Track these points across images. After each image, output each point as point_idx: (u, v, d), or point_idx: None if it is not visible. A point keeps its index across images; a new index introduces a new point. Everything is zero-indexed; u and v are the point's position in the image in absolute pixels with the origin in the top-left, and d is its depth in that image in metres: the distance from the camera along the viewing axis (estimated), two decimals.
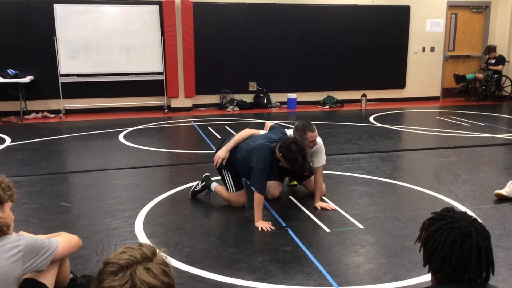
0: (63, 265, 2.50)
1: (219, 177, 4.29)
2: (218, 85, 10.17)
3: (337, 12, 10.49)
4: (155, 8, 9.41)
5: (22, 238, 2.12)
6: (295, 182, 4.76)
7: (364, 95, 10.60)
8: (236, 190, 4.14)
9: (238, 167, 4.06)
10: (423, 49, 11.30)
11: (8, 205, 2.22)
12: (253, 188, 3.90)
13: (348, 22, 10.60)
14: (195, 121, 8.67)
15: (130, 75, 9.55)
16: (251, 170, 3.82)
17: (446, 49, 11.57)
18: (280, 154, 3.73)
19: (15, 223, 2.28)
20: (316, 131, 4.08)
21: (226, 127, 8.00)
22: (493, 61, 11.07)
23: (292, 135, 4.07)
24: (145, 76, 9.63)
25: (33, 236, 2.27)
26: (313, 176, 4.32)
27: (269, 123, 4.38)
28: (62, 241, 2.34)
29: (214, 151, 4.30)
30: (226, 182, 4.16)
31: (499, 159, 6.03)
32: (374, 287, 2.84)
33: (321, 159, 4.22)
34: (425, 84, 11.47)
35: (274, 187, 4.35)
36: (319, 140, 4.23)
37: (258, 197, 3.76)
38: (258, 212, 3.77)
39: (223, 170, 4.16)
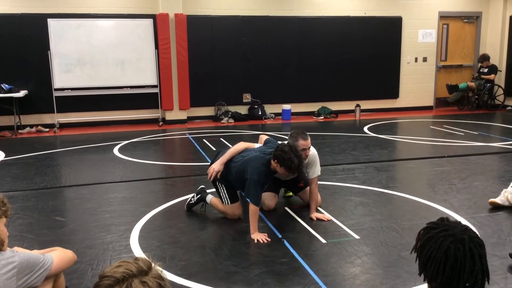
0: (58, 281, 2.48)
1: (215, 190, 4.28)
2: (212, 97, 10.20)
3: (330, 23, 10.58)
4: (149, 22, 9.46)
5: (16, 255, 2.11)
6: (291, 193, 4.76)
7: (358, 105, 10.66)
8: (231, 203, 4.13)
9: (233, 179, 4.05)
10: (416, 60, 11.39)
11: (2, 221, 2.21)
12: (248, 200, 3.90)
13: (341, 33, 10.68)
14: (190, 134, 8.67)
15: (125, 88, 9.56)
16: (246, 182, 3.81)
17: (438, 59, 11.67)
18: (275, 160, 3.72)
19: (9, 239, 2.26)
20: (308, 140, 4.07)
21: (221, 139, 8.00)
22: (486, 70, 11.18)
23: None
24: (139, 89, 9.64)
25: (28, 252, 2.26)
26: (308, 187, 4.33)
27: (263, 137, 4.38)
28: (57, 256, 2.33)
29: (209, 163, 4.30)
30: (221, 194, 4.16)
31: (493, 167, 6.07)
32: None
33: (316, 170, 4.23)
34: (418, 94, 11.55)
35: (269, 198, 4.34)
36: (313, 151, 4.24)
37: (253, 209, 3.76)
38: (253, 224, 3.76)
39: (217, 183, 4.16)
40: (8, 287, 2.03)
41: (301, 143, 4.00)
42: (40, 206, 4.61)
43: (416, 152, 6.93)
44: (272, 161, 3.76)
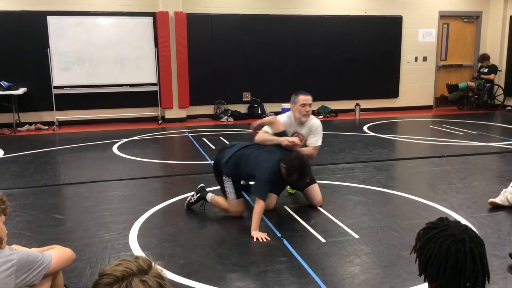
0: (56, 279, 2.47)
1: (215, 188, 4.27)
2: (212, 96, 10.19)
3: (330, 22, 10.57)
4: (149, 20, 9.44)
5: (15, 253, 2.10)
6: (293, 191, 4.78)
7: (358, 104, 10.65)
8: (236, 198, 4.11)
9: (243, 165, 3.99)
10: (416, 59, 11.38)
11: (1, 219, 2.20)
12: (254, 195, 3.92)
13: (341, 32, 10.67)
14: (189, 132, 8.66)
15: (124, 86, 9.55)
16: (252, 176, 3.89)
17: (438, 58, 11.66)
18: (284, 165, 3.79)
19: (7, 236, 2.26)
20: (309, 96, 4.39)
21: (221, 137, 7.99)
22: (486, 70, 11.18)
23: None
24: (139, 87, 9.63)
25: (26, 250, 2.25)
26: (313, 185, 4.40)
27: (266, 120, 4.60)
28: (56, 254, 2.32)
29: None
30: (226, 189, 4.12)
31: (493, 167, 6.06)
32: None
33: (319, 139, 4.42)
34: (418, 94, 11.54)
35: (270, 198, 4.33)
36: (318, 121, 4.51)
37: (259, 207, 3.76)
38: (256, 221, 3.75)
39: (223, 177, 4.13)
40: (6, 285, 2.02)
41: (301, 97, 4.35)
42: (38, 204, 4.60)
43: (415, 151, 6.92)
44: (281, 163, 3.83)
